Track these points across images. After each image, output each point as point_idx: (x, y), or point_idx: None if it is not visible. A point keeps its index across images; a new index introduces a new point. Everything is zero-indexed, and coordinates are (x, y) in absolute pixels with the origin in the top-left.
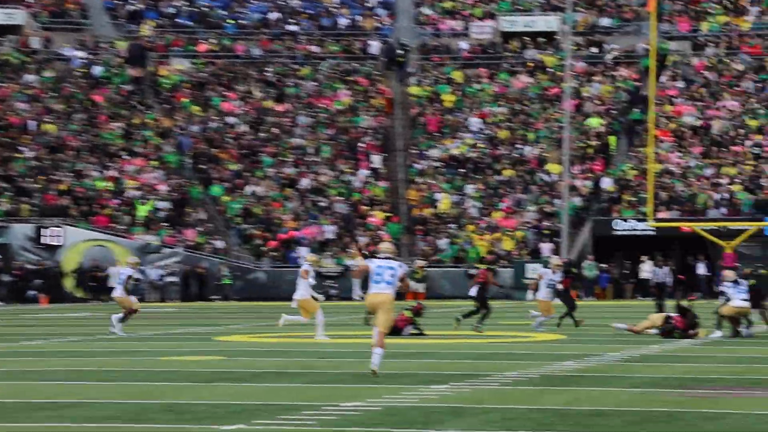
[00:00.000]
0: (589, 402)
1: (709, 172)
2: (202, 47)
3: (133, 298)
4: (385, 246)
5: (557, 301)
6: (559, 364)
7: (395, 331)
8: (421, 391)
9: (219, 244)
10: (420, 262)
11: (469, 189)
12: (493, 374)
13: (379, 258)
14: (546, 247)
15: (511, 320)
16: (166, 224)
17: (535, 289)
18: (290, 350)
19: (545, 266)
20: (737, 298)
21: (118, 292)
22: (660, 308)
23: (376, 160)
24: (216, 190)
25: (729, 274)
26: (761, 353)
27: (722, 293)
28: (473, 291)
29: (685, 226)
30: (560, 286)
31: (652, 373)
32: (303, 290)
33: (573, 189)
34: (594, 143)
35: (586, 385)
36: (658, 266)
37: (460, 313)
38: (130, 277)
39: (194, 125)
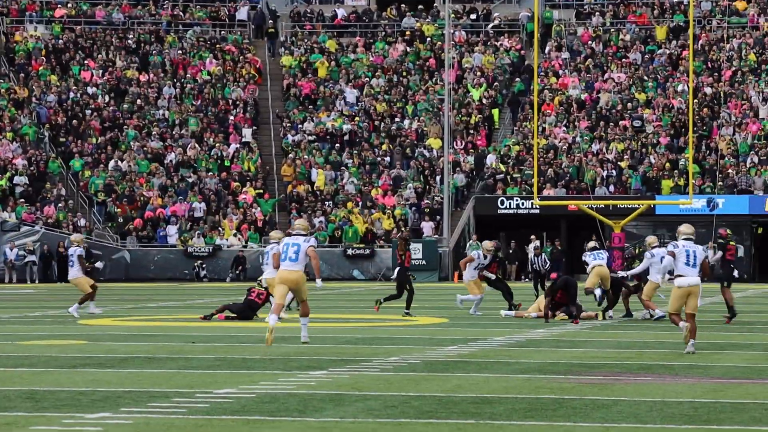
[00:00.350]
0: (474, 389)
1: (596, 147)
2: (59, 12)
3: None
4: (298, 222)
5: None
6: (442, 349)
7: (252, 307)
8: (298, 378)
9: (81, 222)
10: None
11: (346, 165)
12: (373, 359)
13: (291, 235)
14: (427, 227)
15: (392, 303)
16: (23, 201)
17: (462, 270)
18: (158, 334)
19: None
20: (595, 263)
21: None
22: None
23: (247, 133)
24: (76, 164)
25: (591, 243)
26: (650, 338)
27: (585, 263)
28: (395, 273)
29: (572, 205)
30: (490, 274)
31: (539, 358)
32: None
33: (455, 165)
34: (476, 117)
35: (470, 371)
36: (538, 254)
37: (382, 297)
38: None
39: (52, 95)
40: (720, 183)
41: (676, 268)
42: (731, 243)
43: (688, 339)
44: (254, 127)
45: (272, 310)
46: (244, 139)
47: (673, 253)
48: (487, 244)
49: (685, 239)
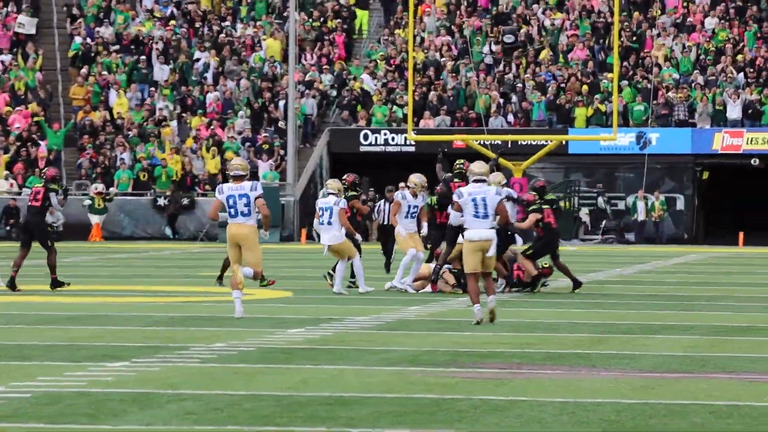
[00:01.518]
0: (326, 385)
1: (489, 58)
2: None
3: None
4: (235, 162)
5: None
6: (283, 333)
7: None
8: (91, 371)
9: None
10: (97, 187)
11: (157, 83)
12: (192, 347)
13: (229, 181)
14: (264, 166)
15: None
16: None
17: (393, 225)
18: None
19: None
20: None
21: None
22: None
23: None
24: None
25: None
26: (558, 317)
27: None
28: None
29: (458, 140)
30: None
31: (413, 344)
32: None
33: (307, 85)
34: (333, 22)
35: (321, 362)
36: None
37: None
38: None
39: None
40: (653, 112)
41: (465, 221)
42: (545, 208)
43: (475, 301)
44: (32, 32)
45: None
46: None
47: (458, 205)
48: (417, 178)
49: (475, 181)
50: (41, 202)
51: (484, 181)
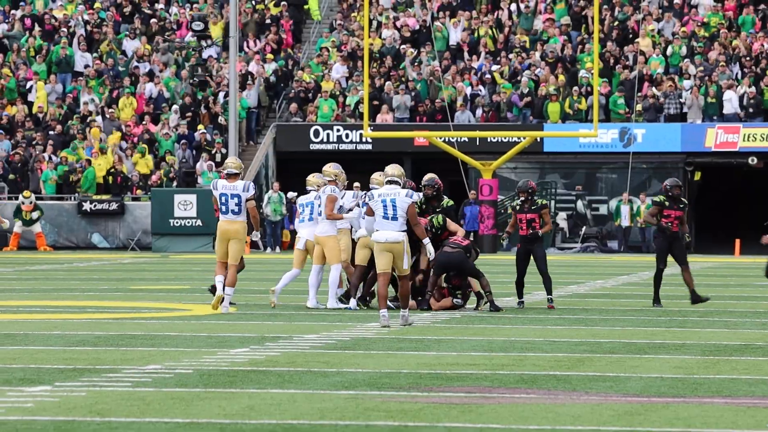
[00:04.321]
0: (273, 411)
1: (454, 39)
2: None
3: None
4: (230, 161)
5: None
6: (226, 353)
7: None
8: (9, 397)
9: None
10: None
11: (83, 75)
12: (124, 369)
13: (223, 177)
14: (204, 167)
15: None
16: None
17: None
18: None
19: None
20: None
21: None
22: None
23: None
24: None
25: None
26: (534, 335)
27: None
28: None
29: (420, 137)
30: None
31: (371, 366)
32: None
33: (246, 78)
34: (277, 6)
35: (268, 386)
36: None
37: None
38: None
39: None
40: (639, 105)
41: (375, 223)
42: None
43: (382, 306)
44: None
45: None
46: None
47: (370, 209)
48: (329, 169)
49: (388, 182)
50: None
51: (397, 183)
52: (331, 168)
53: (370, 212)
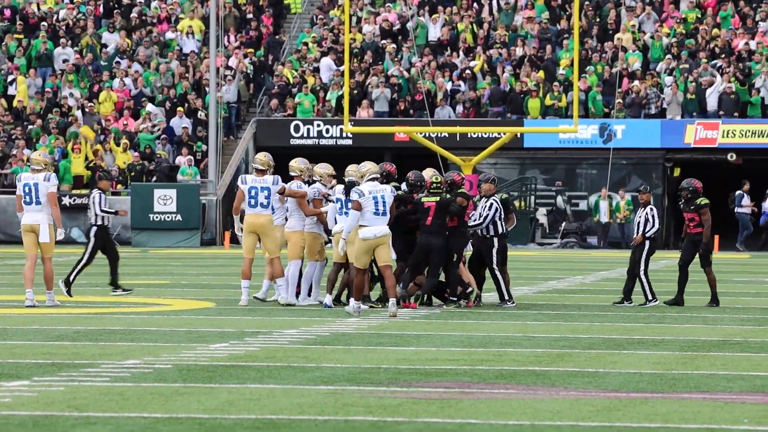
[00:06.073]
0: (253, 407)
1: (436, 33)
2: None
3: None
4: (259, 157)
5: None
6: (205, 348)
7: None
8: None
9: None
10: None
11: (63, 71)
12: (102, 363)
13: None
14: (183, 161)
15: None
16: None
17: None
18: None
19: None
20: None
21: None
22: None
23: None
24: None
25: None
26: (513, 331)
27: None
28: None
29: (401, 132)
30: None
31: (350, 361)
32: None
33: (227, 72)
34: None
35: (247, 381)
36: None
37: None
38: None
39: None
40: (619, 101)
41: (363, 218)
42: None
43: (357, 298)
44: None
45: (270, 273)
46: None
47: (359, 204)
48: (320, 169)
49: (371, 179)
50: None
51: (377, 179)
52: (297, 163)
53: (358, 207)
